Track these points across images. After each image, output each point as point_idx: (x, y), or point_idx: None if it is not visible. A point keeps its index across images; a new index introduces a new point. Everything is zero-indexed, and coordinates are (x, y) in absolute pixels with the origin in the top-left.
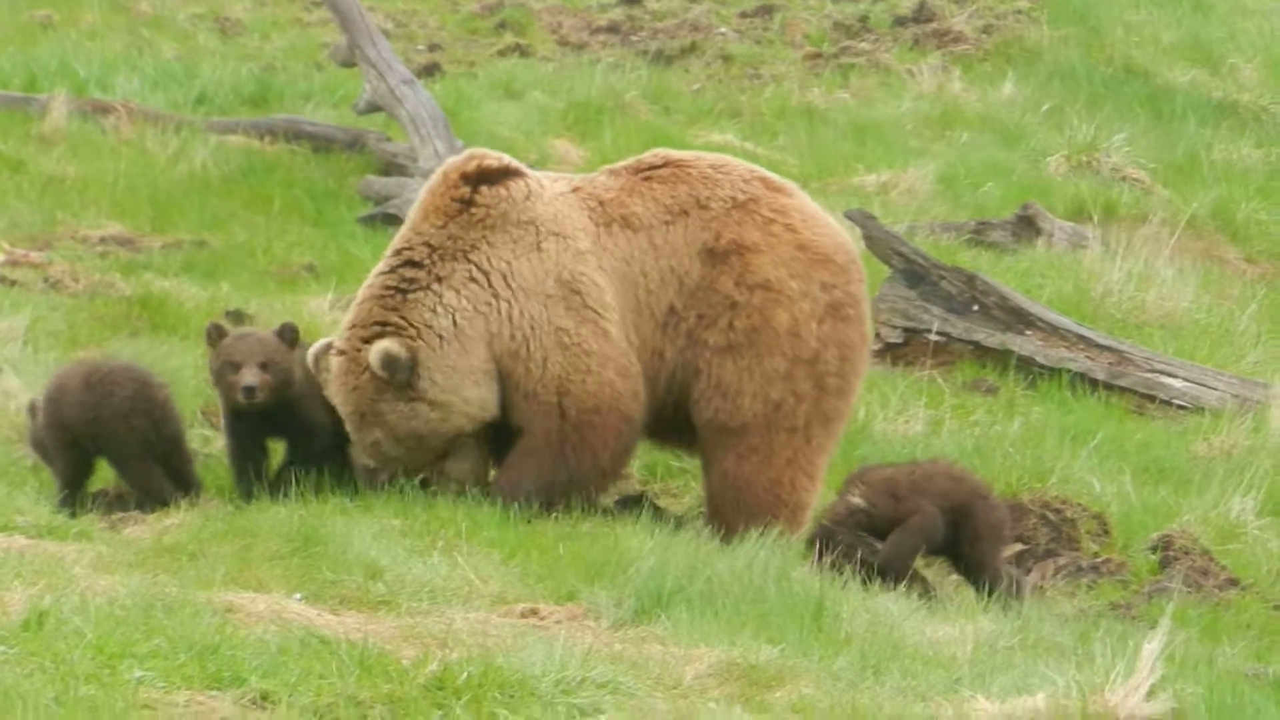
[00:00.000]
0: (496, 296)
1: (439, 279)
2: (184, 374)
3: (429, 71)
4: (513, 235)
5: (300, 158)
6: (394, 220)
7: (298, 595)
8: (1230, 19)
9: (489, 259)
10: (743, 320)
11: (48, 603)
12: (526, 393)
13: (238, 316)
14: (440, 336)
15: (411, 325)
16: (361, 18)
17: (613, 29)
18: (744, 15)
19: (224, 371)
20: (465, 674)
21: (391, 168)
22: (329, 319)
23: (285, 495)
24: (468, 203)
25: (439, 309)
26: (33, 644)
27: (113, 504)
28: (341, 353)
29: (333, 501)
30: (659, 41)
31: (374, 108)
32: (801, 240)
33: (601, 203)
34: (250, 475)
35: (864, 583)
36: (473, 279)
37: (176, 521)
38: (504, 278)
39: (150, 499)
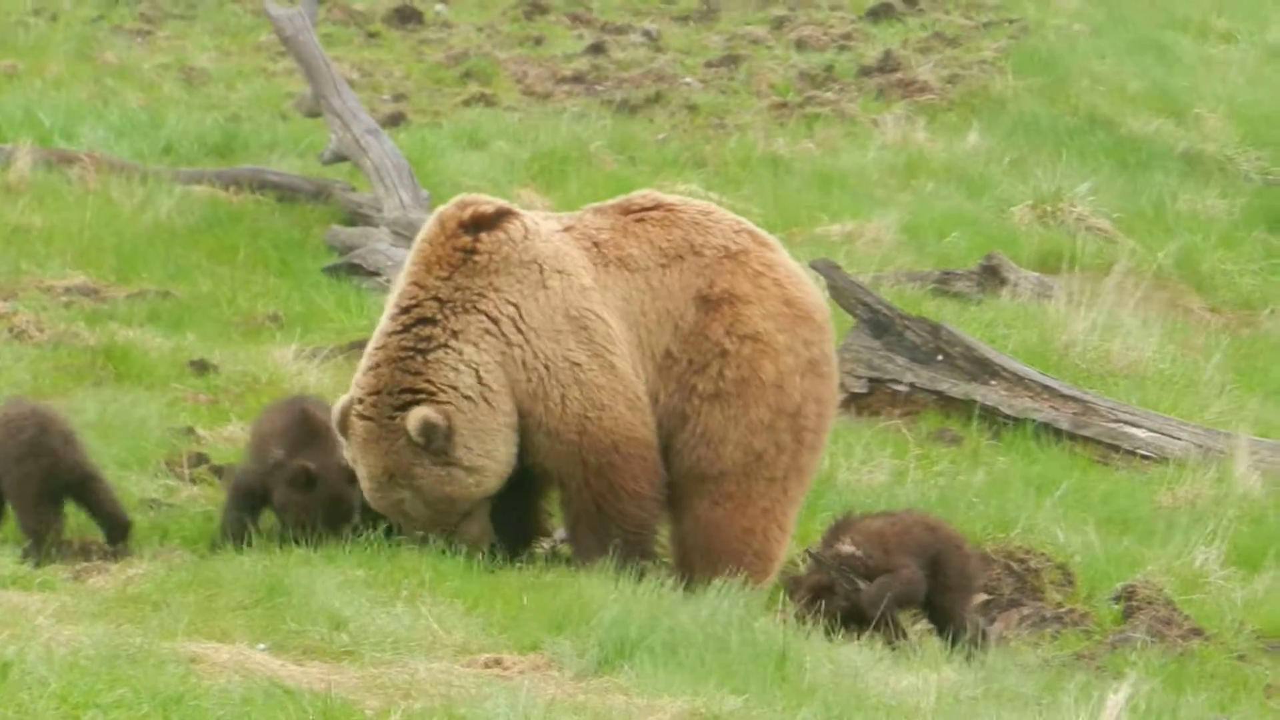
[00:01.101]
0: (510, 344)
1: (455, 334)
2: (149, 424)
3: (394, 121)
4: (517, 276)
5: (265, 208)
6: (358, 270)
7: (262, 645)
8: (1195, 69)
9: (497, 305)
10: (732, 369)
11: (11, 653)
12: (548, 430)
13: (202, 366)
14: (467, 397)
15: (439, 388)
16: (326, 68)
17: (578, 79)
18: (709, 65)
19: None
20: None
21: (356, 217)
22: (293, 369)
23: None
24: (470, 251)
25: (461, 367)
26: None
27: (77, 554)
28: (368, 419)
29: (297, 552)
30: (624, 91)
31: (339, 157)
32: (788, 296)
33: (596, 244)
34: (243, 536)
35: (838, 622)
36: (487, 331)
37: (140, 571)
38: (514, 322)
39: (35, 544)
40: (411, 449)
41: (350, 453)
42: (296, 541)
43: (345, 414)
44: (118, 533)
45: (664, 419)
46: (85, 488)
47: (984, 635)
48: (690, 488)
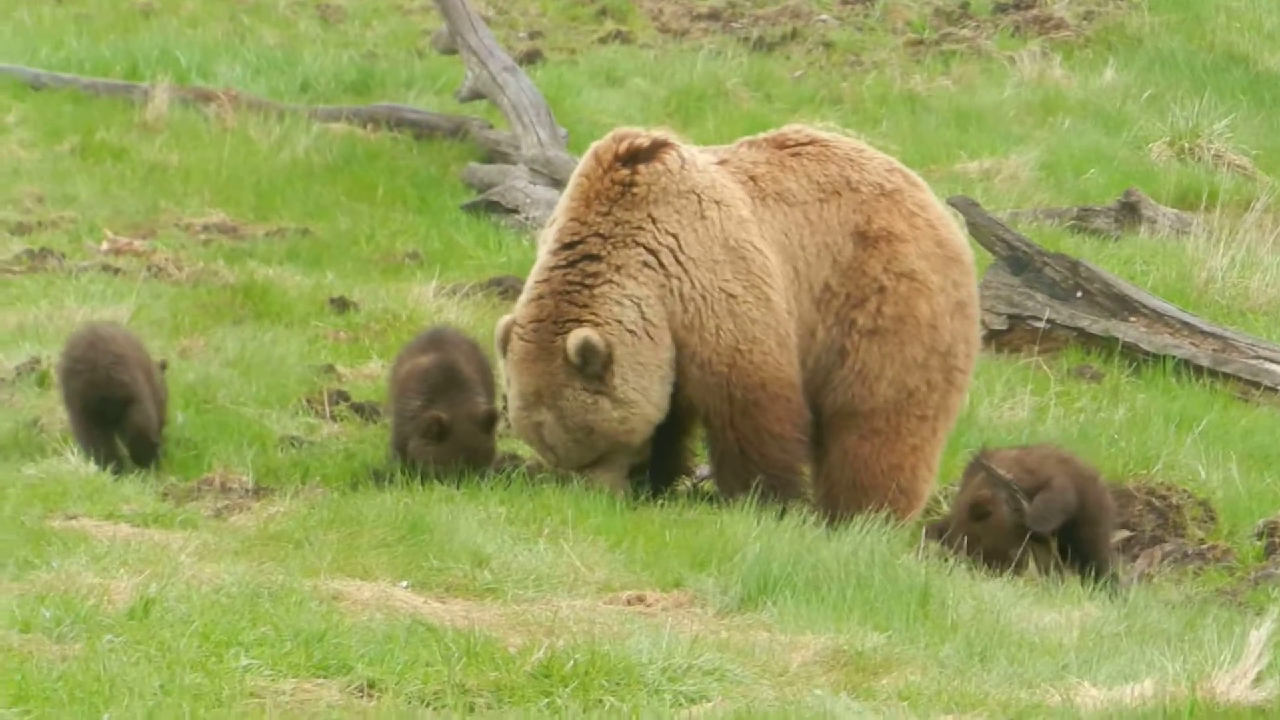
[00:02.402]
0: (669, 275)
1: (618, 269)
2: (289, 362)
3: (530, 59)
4: (675, 206)
5: (403, 145)
6: (497, 208)
7: (404, 583)
8: None
9: (655, 237)
10: (890, 306)
11: (153, 591)
12: (701, 361)
13: (342, 304)
14: (631, 331)
15: (604, 320)
16: (462, 5)
17: (713, 16)
18: (845, 2)
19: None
20: (571, 662)
21: (494, 155)
22: (433, 306)
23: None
24: (628, 184)
25: (625, 301)
26: (139, 632)
27: (219, 491)
28: (528, 341)
29: (438, 490)
30: (760, 28)
31: (476, 95)
32: (939, 237)
33: (753, 177)
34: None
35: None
36: (646, 264)
37: (282, 510)
38: (673, 253)
39: (86, 454)
40: (566, 370)
41: (506, 370)
42: (438, 478)
43: (507, 333)
44: (141, 452)
45: (822, 354)
46: (126, 408)
47: (1115, 577)
48: (841, 423)
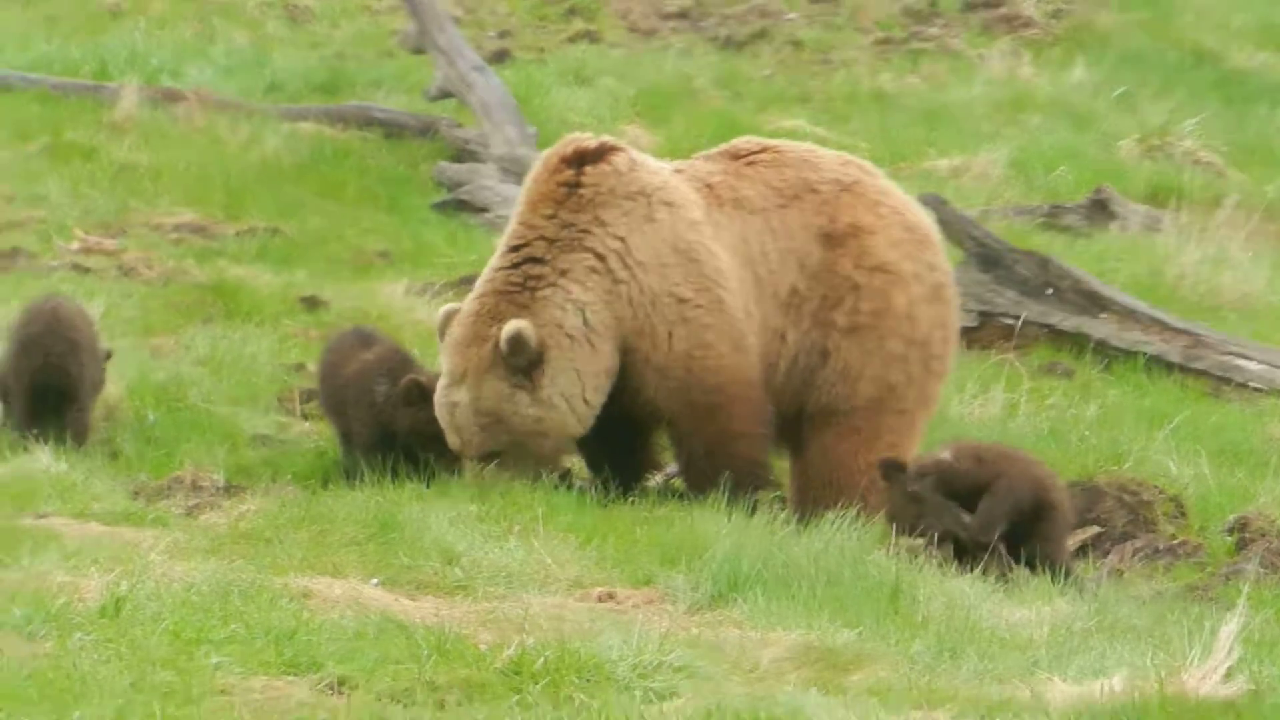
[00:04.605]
0: (616, 280)
1: (563, 273)
2: (260, 360)
3: (499, 58)
4: (624, 208)
5: (372, 144)
6: (467, 206)
7: (374, 580)
8: None
9: (603, 241)
10: (866, 302)
11: (124, 589)
12: (656, 366)
13: (312, 302)
14: (570, 336)
15: (543, 322)
16: (431, 4)
17: (682, 15)
18: (813, 1)
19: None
20: (542, 659)
21: (464, 154)
22: (403, 305)
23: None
24: (574, 185)
25: (568, 305)
26: (110, 630)
27: (190, 490)
28: (465, 326)
29: (409, 487)
30: (728, 27)
31: (445, 94)
32: (907, 222)
33: (709, 185)
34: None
35: (941, 553)
36: (593, 269)
37: (253, 508)
38: (620, 256)
39: (17, 433)
40: (494, 356)
41: (440, 354)
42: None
43: (447, 319)
44: (70, 438)
45: (801, 356)
46: (67, 402)
47: (1069, 572)
48: (820, 421)
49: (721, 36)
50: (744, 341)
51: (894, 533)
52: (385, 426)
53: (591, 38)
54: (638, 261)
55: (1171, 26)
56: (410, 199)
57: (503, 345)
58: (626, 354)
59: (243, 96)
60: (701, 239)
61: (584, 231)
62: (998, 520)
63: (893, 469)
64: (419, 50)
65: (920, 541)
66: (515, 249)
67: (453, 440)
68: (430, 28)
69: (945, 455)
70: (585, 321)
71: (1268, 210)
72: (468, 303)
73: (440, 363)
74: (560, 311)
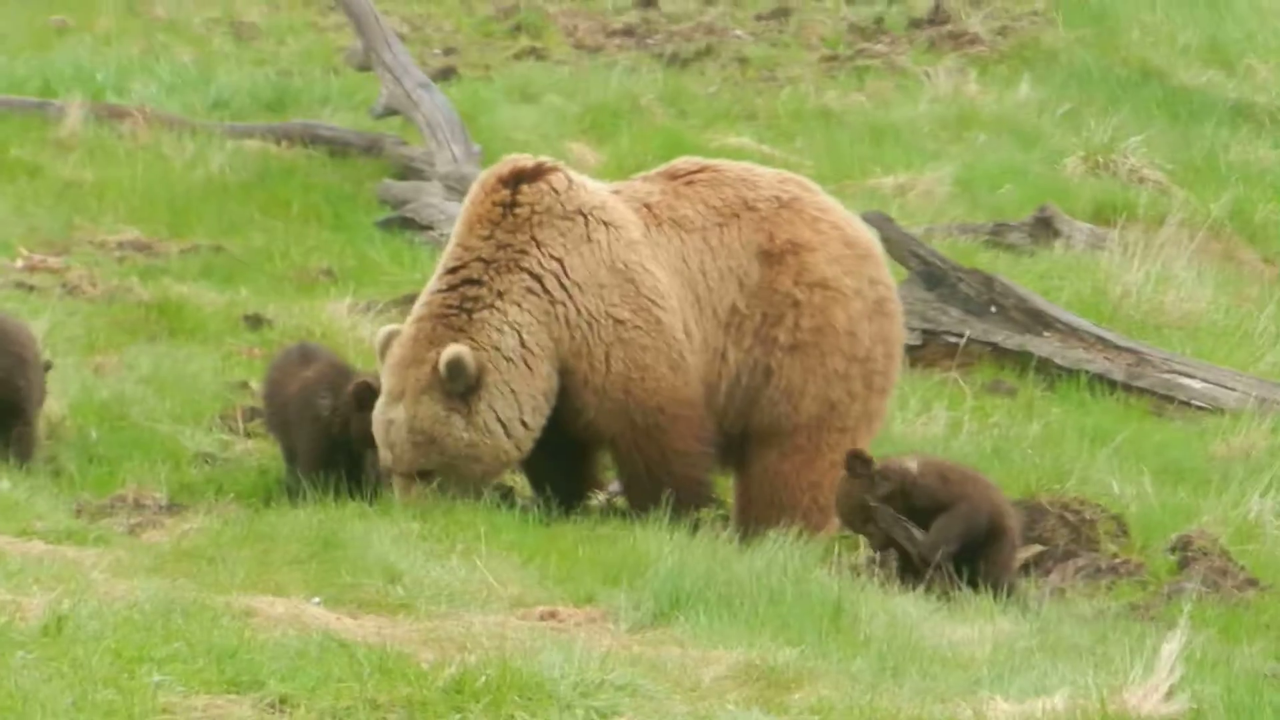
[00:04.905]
0: (553, 301)
1: (500, 294)
2: (203, 379)
3: (445, 75)
4: (560, 229)
5: (317, 162)
6: (411, 224)
7: (316, 599)
8: (1247, 19)
9: (540, 261)
10: (807, 319)
11: (66, 607)
12: (594, 388)
13: (256, 321)
14: (508, 359)
15: (480, 346)
16: (377, 22)
17: (628, 32)
18: (759, 18)
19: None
20: (483, 677)
21: (409, 172)
22: (347, 323)
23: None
24: (510, 205)
25: (505, 328)
26: (51, 649)
27: (132, 508)
28: (404, 349)
29: (351, 506)
30: (674, 44)
31: (391, 111)
32: (847, 237)
33: (648, 205)
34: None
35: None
36: (530, 290)
37: (195, 526)
38: (557, 277)
39: None
40: (431, 379)
41: (382, 374)
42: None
43: (388, 340)
44: (15, 455)
45: (744, 375)
46: (12, 413)
47: (1012, 590)
48: (763, 440)
49: (667, 54)
50: (683, 362)
51: (839, 525)
52: (332, 440)
53: (537, 55)
54: (574, 282)
55: (1118, 44)
56: (355, 216)
57: (442, 370)
58: (565, 375)
59: (188, 114)
60: (639, 259)
61: (521, 252)
62: (951, 543)
63: (859, 462)
64: (365, 67)
65: (864, 559)
66: (453, 270)
67: (384, 456)
68: (376, 45)
69: (911, 465)
70: (522, 343)
71: (1212, 228)
72: (407, 325)
73: (382, 375)
74: (497, 333)
